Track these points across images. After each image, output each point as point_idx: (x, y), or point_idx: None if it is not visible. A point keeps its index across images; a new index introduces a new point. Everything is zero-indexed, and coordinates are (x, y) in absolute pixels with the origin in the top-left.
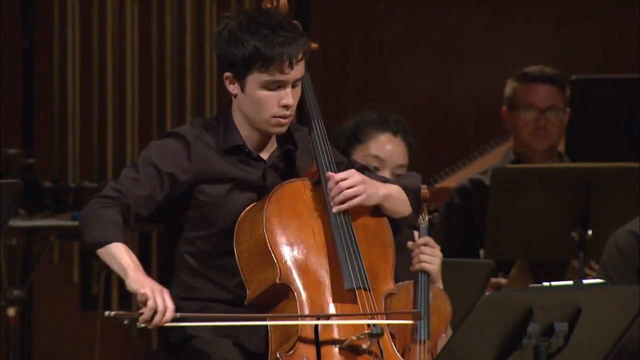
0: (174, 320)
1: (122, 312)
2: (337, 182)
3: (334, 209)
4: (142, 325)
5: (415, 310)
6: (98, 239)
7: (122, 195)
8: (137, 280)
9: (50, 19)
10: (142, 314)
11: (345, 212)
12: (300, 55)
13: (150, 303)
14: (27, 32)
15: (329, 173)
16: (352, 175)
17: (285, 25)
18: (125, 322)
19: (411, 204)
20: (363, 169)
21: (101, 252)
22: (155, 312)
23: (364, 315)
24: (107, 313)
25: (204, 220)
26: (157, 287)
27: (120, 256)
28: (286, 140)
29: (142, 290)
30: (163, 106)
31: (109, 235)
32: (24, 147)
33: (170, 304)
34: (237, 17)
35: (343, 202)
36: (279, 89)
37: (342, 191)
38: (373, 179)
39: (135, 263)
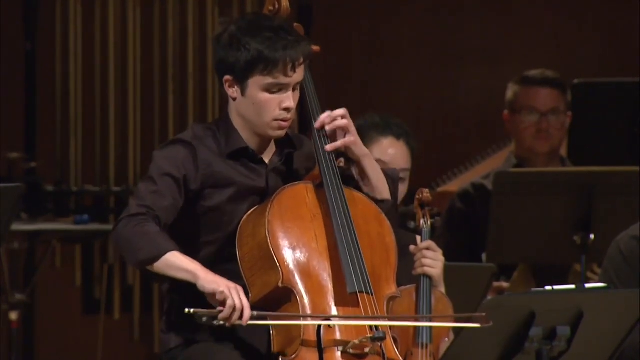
0: (251, 318)
1: (201, 310)
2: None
3: (328, 147)
4: (221, 322)
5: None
6: (151, 253)
7: (150, 210)
8: (211, 280)
9: (53, 22)
10: (220, 311)
11: (347, 213)
12: (301, 59)
13: (229, 302)
14: (29, 35)
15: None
16: (345, 113)
17: (286, 29)
18: (204, 319)
19: (390, 192)
20: None
21: (158, 265)
22: (234, 310)
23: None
24: (187, 310)
25: (209, 226)
26: (231, 284)
27: (182, 262)
28: (285, 143)
29: (220, 289)
30: (165, 109)
31: (161, 247)
32: (26, 150)
33: (246, 302)
34: (237, 21)
35: (334, 132)
36: (280, 92)
37: (335, 119)
38: None
39: (199, 264)
